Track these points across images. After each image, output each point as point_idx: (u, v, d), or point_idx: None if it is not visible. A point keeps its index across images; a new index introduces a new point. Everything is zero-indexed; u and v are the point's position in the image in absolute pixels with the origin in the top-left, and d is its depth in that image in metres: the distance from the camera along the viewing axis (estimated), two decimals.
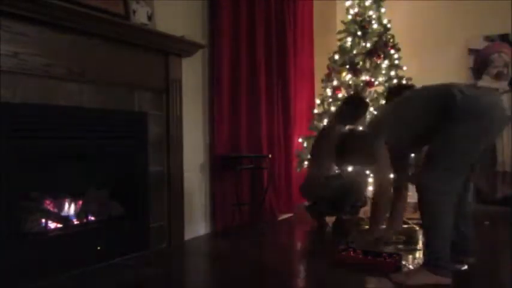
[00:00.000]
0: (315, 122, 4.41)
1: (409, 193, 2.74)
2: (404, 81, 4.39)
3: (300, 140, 4.52)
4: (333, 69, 4.50)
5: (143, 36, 2.79)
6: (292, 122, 4.48)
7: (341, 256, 2.56)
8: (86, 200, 2.74)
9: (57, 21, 2.30)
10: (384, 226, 2.78)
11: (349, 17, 4.61)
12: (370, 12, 4.55)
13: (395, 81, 4.41)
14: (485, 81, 4.40)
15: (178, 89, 3.11)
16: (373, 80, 4.39)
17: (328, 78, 4.52)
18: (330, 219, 3.63)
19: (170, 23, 3.06)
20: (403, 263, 2.48)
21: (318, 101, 4.59)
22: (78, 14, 2.37)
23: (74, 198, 2.69)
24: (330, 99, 4.42)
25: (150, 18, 2.87)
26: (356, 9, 4.60)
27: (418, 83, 3.62)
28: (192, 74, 3.35)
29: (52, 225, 2.54)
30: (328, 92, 4.47)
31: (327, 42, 4.97)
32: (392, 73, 4.42)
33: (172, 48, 3.01)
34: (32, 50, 2.23)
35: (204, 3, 3.53)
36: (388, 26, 4.51)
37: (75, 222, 2.66)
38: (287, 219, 4.12)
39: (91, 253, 2.53)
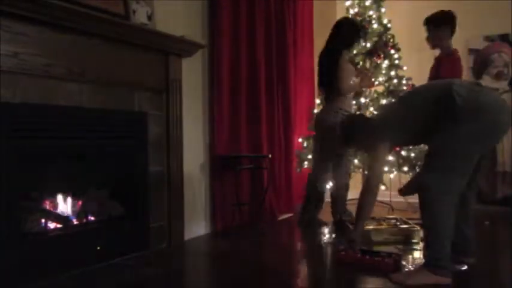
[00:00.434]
0: None
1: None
2: (404, 81, 4.40)
3: (300, 140, 4.52)
4: None
5: (143, 36, 2.79)
6: (292, 122, 4.48)
7: (341, 256, 2.56)
8: (86, 200, 2.74)
9: (57, 21, 2.30)
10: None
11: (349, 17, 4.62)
12: (370, 12, 4.56)
13: (395, 81, 4.42)
14: (485, 81, 4.40)
15: (178, 89, 3.11)
16: (373, 79, 4.39)
17: None
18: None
19: (170, 23, 3.07)
20: (403, 263, 2.49)
21: (318, 101, 4.59)
22: (78, 14, 2.37)
23: (74, 198, 2.69)
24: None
25: (150, 18, 2.87)
26: (356, 9, 4.61)
27: (418, 83, 3.63)
28: (192, 74, 3.35)
29: (52, 225, 2.54)
30: None
31: None
32: (393, 73, 4.43)
33: (172, 48, 3.01)
34: (32, 50, 2.23)
35: (204, 3, 3.53)
36: (388, 26, 4.52)
37: (75, 222, 2.66)
38: (287, 219, 4.13)
39: (91, 253, 2.53)
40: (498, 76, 4.48)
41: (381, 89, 4.47)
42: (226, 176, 3.62)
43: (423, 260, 2.25)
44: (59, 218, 2.59)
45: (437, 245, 2.14)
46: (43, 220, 2.50)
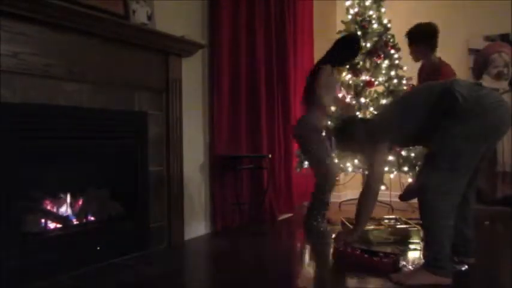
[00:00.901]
0: None
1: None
2: (404, 81, 4.40)
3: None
4: None
5: (143, 36, 2.79)
6: (292, 122, 4.48)
7: (341, 256, 2.56)
8: (86, 200, 2.74)
9: (57, 21, 2.30)
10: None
11: (349, 16, 4.62)
12: (370, 12, 4.56)
13: (395, 81, 4.42)
14: (486, 81, 4.40)
15: (178, 89, 3.11)
16: (373, 79, 4.39)
17: None
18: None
19: (170, 23, 3.06)
20: (403, 263, 2.49)
21: None
22: (78, 14, 2.37)
23: (74, 198, 2.69)
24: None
25: (150, 18, 2.87)
26: (356, 9, 4.60)
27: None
28: (192, 74, 3.35)
29: (52, 225, 2.54)
30: None
31: (327, 42, 4.96)
32: (393, 73, 4.43)
33: (172, 48, 3.01)
34: (31, 50, 2.23)
35: (204, 3, 3.53)
36: (388, 26, 4.52)
37: (75, 222, 2.66)
38: (287, 219, 4.12)
39: (91, 253, 2.53)
40: (498, 76, 4.47)
41: (381, 89, 4.47)
42: (226, 176, 3.62)
43: (423, 260, 2.26)
44: (58, 218, 2.59)
45: (437, 245, 2.14)
46: (43, 220, 2.50)
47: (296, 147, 4.51)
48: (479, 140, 2.12)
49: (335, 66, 3.55)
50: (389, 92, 4.40)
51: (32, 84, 2.25)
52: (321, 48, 4.94)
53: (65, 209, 2.65)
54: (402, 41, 4.53)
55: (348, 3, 4.68)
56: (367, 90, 4.42)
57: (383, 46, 4.41)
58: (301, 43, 4.78)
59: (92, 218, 2.74)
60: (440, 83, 2.33)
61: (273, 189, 4.05)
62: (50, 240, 2.43)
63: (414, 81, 4.30)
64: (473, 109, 2.10)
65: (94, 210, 2.75)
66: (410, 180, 4.25)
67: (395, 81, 4.41)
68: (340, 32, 4.65)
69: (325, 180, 3.44)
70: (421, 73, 3.55)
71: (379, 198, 4.59)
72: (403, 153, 4.22)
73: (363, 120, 2.95)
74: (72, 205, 2.68)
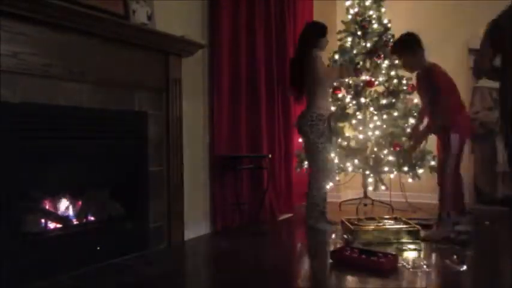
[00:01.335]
0: None
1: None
2: (404, 81, 4.40)
3: (300, 140, 4.52)
4: None
5: (143, 36, 2.79)
6: (292, 122, 4.48)
7: (341, 256, 2.56)
8: (86, 200, 2.74)
9: (57, 21, 2.30)
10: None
11: (349, 16, 4.62)
12: (370, 12, 4.55)
13: (395, 81, 4.41)
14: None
15: (178, 88, 3.10)
16: (373, 79, 4.39)
17: None
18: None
19: (170, 23, 3.06)
20: (403, 263, 2.49)
21: None
22: (78, 14, 2.37)
23: (74, 198, 2.69)
24: (330, 99, 4.41)
25: (149, 18, 2.87)
26: (356, 9, 4.60)
27: None
28: (192, 74, 3.35)
29: (52, 225, 2.54)
30: None
31: (327, 42, 4.96)
32: (393, 73, 4.43)
33: (172, 48, 3.01)
34: (31, 50, 2.23)
35: (204, 3, 3.53)
36: (388, 26, 4.52)
37: (75, 222, 2.66)
38: (287, 219, 4.12)
39: (91, 253, 2.53)
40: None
41: (381, 89, 4.47)
42: (226, 176, 3.61)
43: (423, 261, 2.26)
44: (58, 218, 2.59)
45: None
46: (43, 220, 2.50)
47: (296, 147, 4.52)
48: None
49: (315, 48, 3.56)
50: (389, 92, 4.40)
51: (32, 84, 2.25)
52: None
53: (64, 209, 2.65)
54: None
55: (348, 3, 4.68)
56: (367, 90, 4.42)
57: (383, 46, 4.41)
58: None
59: (92, 218, 2.74)
60: None
61: (273, 189, 4.05)
62: (50, 240, 2.43)
63: (414, 81, 4.30)
64: None
65: (94, 210, 2.75)
66: (410, 180, 4.26)
67: (395, 81, 4.41)
68: (340, 32, 4.65)
69: (322, 176, 3.49)
70: (418, 82, 3.58)
71: (379, 198, 4.60)
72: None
73: None
74: (72, 205, 2.68)
